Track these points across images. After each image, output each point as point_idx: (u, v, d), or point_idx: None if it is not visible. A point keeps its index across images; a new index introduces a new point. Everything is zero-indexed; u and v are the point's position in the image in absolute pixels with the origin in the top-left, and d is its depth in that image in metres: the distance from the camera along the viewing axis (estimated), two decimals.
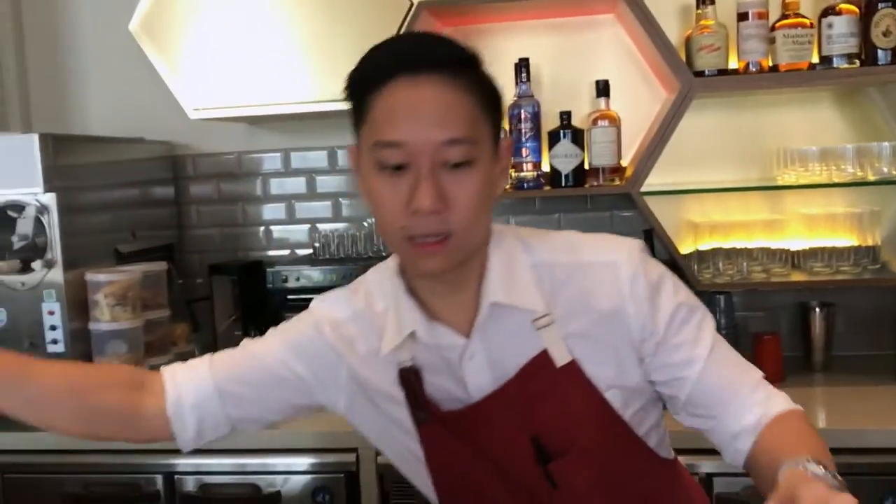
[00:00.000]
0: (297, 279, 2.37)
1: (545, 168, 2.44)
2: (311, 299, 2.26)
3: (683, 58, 2.31)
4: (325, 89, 2.43)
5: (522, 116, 2.39)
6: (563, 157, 2.37)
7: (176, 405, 1.24)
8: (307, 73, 2.44)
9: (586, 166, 2.40)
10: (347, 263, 2.39)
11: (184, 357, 2.44)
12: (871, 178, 2.26)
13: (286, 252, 2.85)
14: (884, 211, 2.48)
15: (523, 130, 2.39)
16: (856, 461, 1.91)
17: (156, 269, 2.43)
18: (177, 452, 2.13)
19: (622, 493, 1.19)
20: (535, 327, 1.14)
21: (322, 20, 2.40)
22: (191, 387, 1.25)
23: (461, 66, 1.08)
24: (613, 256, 1.15)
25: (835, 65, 2.22)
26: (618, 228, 2.65)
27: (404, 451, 1.26)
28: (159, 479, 2.18)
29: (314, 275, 2.37)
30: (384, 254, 2.47)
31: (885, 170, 2.25)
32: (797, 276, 2.37)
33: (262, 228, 2.87)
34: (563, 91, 2.60)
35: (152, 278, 2.40)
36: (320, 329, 1.25)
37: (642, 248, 1.18)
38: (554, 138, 2.38)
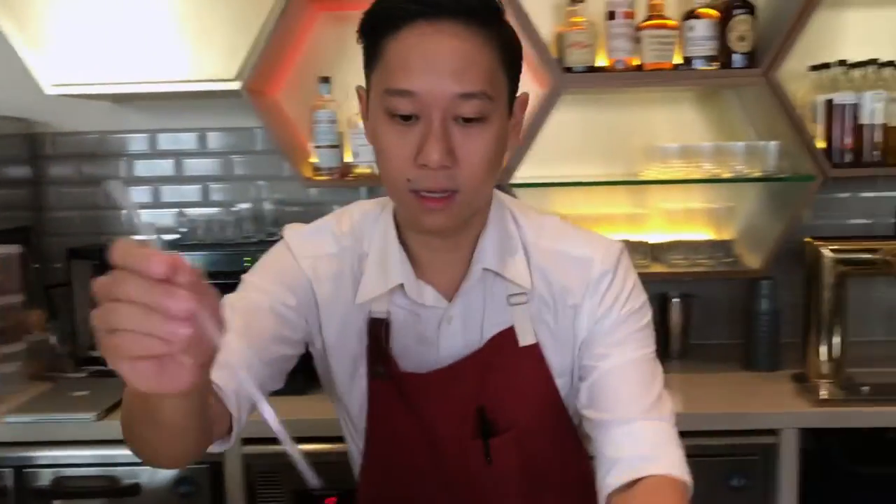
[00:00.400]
0: None
1: None
2: None
3: (555, 54, 2.37)
4: (196, 69, 2.36)
5: None
6: None
7: (235, 398, 1.03)
8: (177, 51, 2.36)
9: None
10: (216, 249, 2.32)
11: (38, 344, 2.33)
12: (727, 175, 2.39)
13: (151, 237, 2.74)
14: (738, 207, 2.63)
15: None
16: (706, 443, 2.02)
17: (8, 252, 2.30)
18: (29, 444, 2.07)
19: (547, 479, 1.19)
20: (508, 302, 1.14)
21: None
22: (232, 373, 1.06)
23: (486, 15, 1.02)
24: (590, 253, 1.15)
25: (695, 66, 2.33)
26: None
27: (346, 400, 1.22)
28: (9, 473, 2.07)
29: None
30: (254, 239, 2.42)
31: (740, 168, 2.38)
32: (657, 268, 2.48)
33: (125, 212, 2.75)
34: None
35: (4, 262, 2.27)
36: (298, 263, 1.16)
37: (621, 251, 1.17)
38: None
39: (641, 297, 1.18)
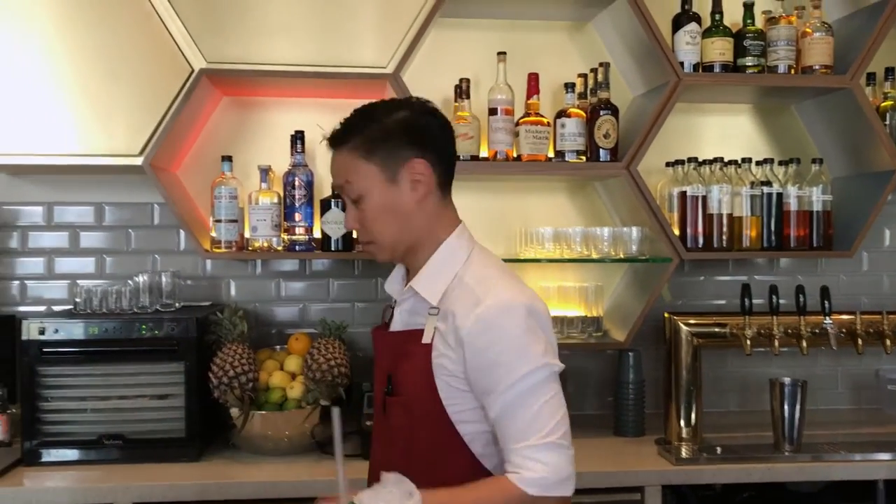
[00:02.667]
0: (56, 331, 2.31)
1: (317, 234, 2.60)
2: (69, 353, 2.29)
3: None
4: (95, 144, 2.44)
5: (297, 184, 2.55)
6: (333, 224, 2.55)
7: None
8: (77, 126, 2.44)
9: (354, 234, 2.58)
10: (110, 318, 2.36)
11: None
12: (595, 256, 2.65)
13: (41, 308, 2.76)
14: (606, 286, 2.89)
15: (297, 197, 2.55)
16: (579, 501, 2.18)
17: None
18: None
19: (420, 448, 1.56)
20: (429, 313, 1.57)
21: (100, 76, 2.43)
22: None
23: (342, 138, 1.58)
24: (490, 300, 1.50)
25: (566, 159, 2.61)
26: (382, 295, 2.85)
27: None
28: None
29: (74, 327, 2.32)
30: (150, 310, 2.48)
31: (606, 250, 2.65)
32: None
33: (16, 283, 2.77)
34: None
35: None
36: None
37: (507, 307, 1.49)
38: (326, 206, 2.56)
39: (516, 339, 1.49)
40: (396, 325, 1.66)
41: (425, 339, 1.55)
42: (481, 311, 1.48)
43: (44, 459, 2.31)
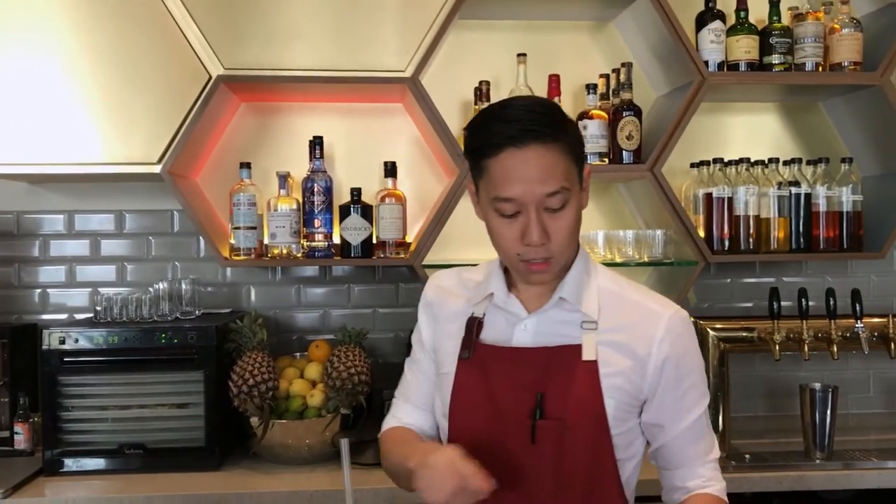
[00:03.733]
0: (76, 340, 2.30)
1: (336, 240, 2.58)
2: (90, 363, 2.28)
3: (462, 146, 2.56)
4: (115, 152, 2.43)
5: (315, 190, 2.53)
6: (352, 230, 2.52)
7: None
8: (97, 134, 2.43)
9: (374, 240, 2.56)
10: (130, 326, 2.36)
11: None
12: (619, 259, 2.60)
13: (64, 316, 2.76)
14: None
15: (316, 203, 2.53)
16: None
17: None
18: None
19: (576, 472, 1.42)
20: (582, 327, 1.44)
21: (118, 85, 2.42)
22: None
23: (554, 132, 1.35)
24: (660, 310, 1.45)
25: (589, 161, 2.56)
26: (403, 300, 2.82)
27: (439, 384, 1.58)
28: None
29: (95, 336, 2.31)
30: (169, 318, 2.47)
31: (630, 253, 2.60)
32: None
33: (38, 291, 2.77)
34: (354, 169, 2.77)
35: None
36: (426, 298, 1.64)
37: (686, 318, 1.46)
38: (345, 212, 2.53)
39: (696, 358, 1.48)
40: (528, 339, 1.47)
41: (588, 356, 1.42)
42: (669, 324, 1.43)
43: (65, 469, 2.30)
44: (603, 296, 1.47)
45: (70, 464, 2.30)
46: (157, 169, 2.44)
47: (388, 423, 1.64)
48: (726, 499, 1.50)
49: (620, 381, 1.42)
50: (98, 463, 2.31)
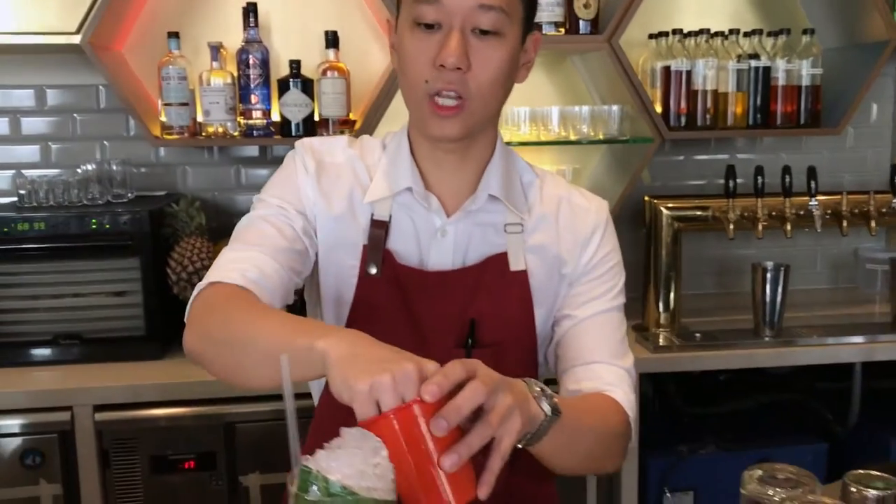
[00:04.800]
0: (4, 229, 2.16)
1: (275, 117, 2.43)
2: (16, 250, 2.15)
3: None
4: (28, 20, 2.22)
5: (251, 62, 2.35)
6: (293, 106, 2.37)
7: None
8: (6, 0, 2.21)
9: (316, 117, 2.41)
10: (59, 211, 2.21)
11: None
12: (573, 137, 2.50)
13: None
14: (584, 169, 2.76)
15: (252, 77, 2.36)
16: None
17: None
18: None
19: None
20: (505, 230, 1.23)
21: None
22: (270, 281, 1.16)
23: None
24: (587, 205, 1.27)
25: (544, 31, 2.42)
26: None
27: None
28: None
29: (19, 221, 2.17)
30: (100, 201, 2.32)
31: (585, 131, 2.50)
32: None
33: None
34: (293, 39, 2.58)
35: None
36: (306, 169, 1.24)
37: (608, 210, 1.30)
38: (284, 87, 2.37)
39: (619, 254, 1.30)
40: (447, 253, 1.22)
41: (516, 265, 1.22)
42: (596, 220, 1.26)
43: None
44: (528, 190, 1.27)
45: (4, 355, 2.20)
46: (76, 39, 2.22)
47: (225, 275, 1.12)
48: (631, 419, 1.19)
49: (547, 288, 1.25)
50: (33, 354, 2.21)
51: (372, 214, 1.23)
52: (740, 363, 2.28)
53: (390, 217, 1.22)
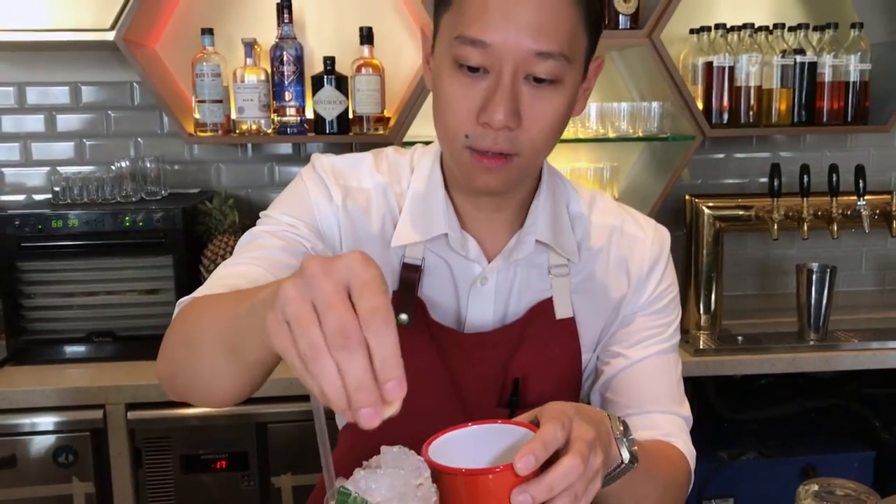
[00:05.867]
0: (35, 223, 2.15)
1: (309, 114, 2.40)
2: (50, 247, 2.14)
3: None
4: (64, 17, 2.22)
5: (285, 59, 2.33)
6: (326, 104, 2.34)
7: None
8: None
9: (350, 114, 2.38)
10: (93, 209, 2.20)
11: None
12: (612, 135, 2.45)
13: (20, 198, 2.59)
14: (622, 167, 2.70)
15: (286, 73, 2.33)
16: None
17: None
18: None
19: None
20: (550, 272, 1.09)
21: None
22: None
23: None
24: (643, 235, 1.13)
25: None
26: None
27: None
28: None
29: (54, 221, 2.16)
30: (134, 199, 2.32)
31: (624, 128, 2.44)
32: None
33: None
34: (327, 36, 2.55)
35: None
36: (329, 195, 1.07)
37: (667, 237, 1.16)
38: (317, 83, 2.34)
39: (677, 287, 1.17)
40: (488, 304, 1.08)
41: (563, 313, 1.08)
42: (652, 252, 1.11)
43: (32, 358, 2.19)
44: (575, 225, 1.12)
45: (37, 353, 2.20)
46: (110, 36, 2.21)
47: (208, 290, 0.96)
48: (692, 468, 1.09)
49: (595, 331, 1.12)
50: (66, 351, 2.21)
51: (403, 255, 1.08)
52: (784, 367, 2.21)
53: (423, 259, 1.07)
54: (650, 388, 1.10)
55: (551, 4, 0.91)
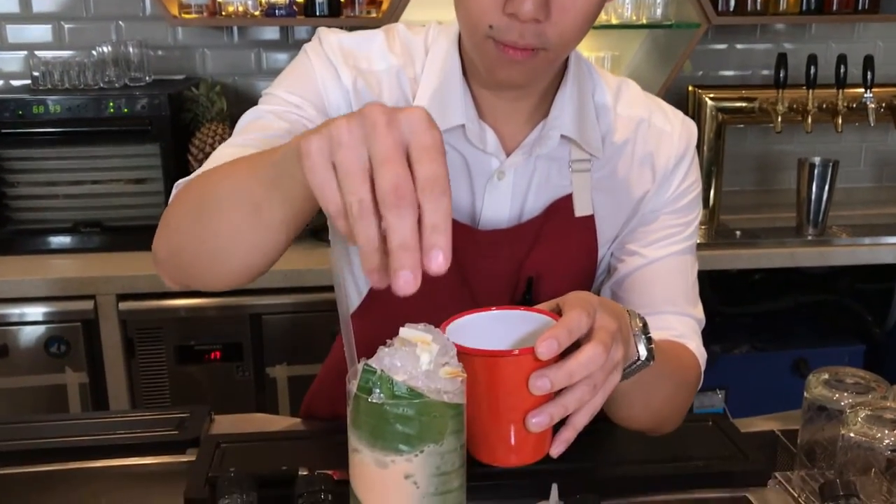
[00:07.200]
0: (19, 112, 2.07)
1: None
2: (31, 134, 2.07)
3: None
4: None
5: None
6: None
7: None
8: None
9: None
10: (75, 94, 2.11)
11: None
12: (615, 21, 2.35)
13: None
14: (623, 56, 2.61)
15: None
16: None
17: None
18: None
19: None
20: (571, 167, 1.03)
21: None
22: None
23: None
24: (670, 128, 1.06)
25: None
26: None
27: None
28: None
29: (35, 107, 2.08)
30: (117, 85, 2.22)
31: (627, 15, 2.35)
32: None
33: None
34: None
35: None
36: (338, 75, 1.00)
37: (695, 133, 1.09)
38: None
39: (700, 185, 1.11)
40: (504, 200, 1.03)
41: (582, 211, 1.03)
42: (678, 148, 1.05)
43: (17, 248, 2.15)
44: (601, 117, 1.05)
45: (23, 243, 2.15)
46: None
47: (220, 157, 0.91)
48: (702, 370, 1.06)
49: (614, 228, 1.08)
50: (53, 242, 2.16)
51: None
52: (781, 262, 2.20)
53: None
54: (665, 289, 1.06)
55: None
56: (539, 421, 0.68)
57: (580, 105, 1.02)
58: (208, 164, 0.91)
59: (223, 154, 0.92)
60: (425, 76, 1.01)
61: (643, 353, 0.82)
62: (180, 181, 0.91)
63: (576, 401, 0.70)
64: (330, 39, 1.02)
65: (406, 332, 0.61)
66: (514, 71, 0.90)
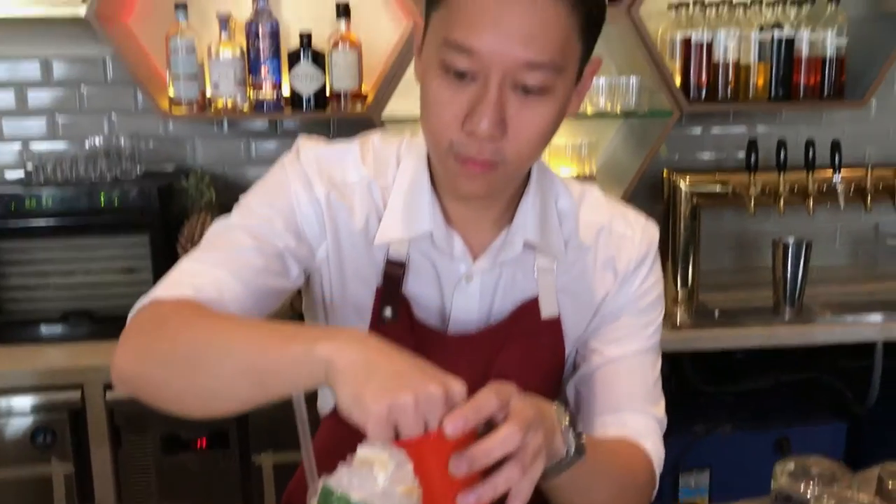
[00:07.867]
0: (12, 206, 2.12)
1: (286, 90, 2.37)
2: (24, 227, 2.12)
3: None
4: None
5: (261, 33, 2.29)
6: (303, 79, 2.31)
7: None
8: None
9: (327, 91, 2.36)
10: (67, 187, 2.17)
11: None
12: (590, 111, 2.44)
13: None
14: (599, 142, 2.70)
15: (262, 49, 2.30)
16: None
17: None
18: None
19: None
20: (536, 272, 1.08)
21: None
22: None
23: None
24: (631, 233, 1.11)
25: None
26: None
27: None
28: None
29: (28, 200, 2.13)
30: (109, 177, 2.28)
31: (602, 104, 2.44)
32: None
33: None
34: (303, 11, 2.52)
35: None
36: (311, 188, 1.04)
37: (656, 233, 1.15)
38: (294, 59, 2.32)
39: (661, 285, 1.15)
40: (473, 304, 1.07)
41: (548, 312, 1.07)
42: (639, 251, 1.10)
43: (7, 338, 2.17)
44: (563, 222, 1.10)
45: (13, 333, 2.18)
46: (81, 11, 2.17)
47: (174, 291, 0.95)
48: (657, 472, 1.07)
49: (578, 329, 1.12)
50: (43, 331, 2.19)
51: (387, 252, 1.06)
52: (760, 342, 2.24)
53: (407, 257, 1.06)
54: (625, 387, 1.09)
55: (544, 11, 0.88)
56: (470, 501, 0.71)
57: (542, 212, 1.07)
58: (169, 281, 0.96)
59: (189, 269, 0.98)
60: (396, 185, 1.06)
61: (571, 446, 0.86)
62: (144, 300, 0.96)
63: (504, 480, 0.73)
64: (307, 152, 1.07)
65: (363, 451, 0.64)
66: (475, 184, 0.96)
